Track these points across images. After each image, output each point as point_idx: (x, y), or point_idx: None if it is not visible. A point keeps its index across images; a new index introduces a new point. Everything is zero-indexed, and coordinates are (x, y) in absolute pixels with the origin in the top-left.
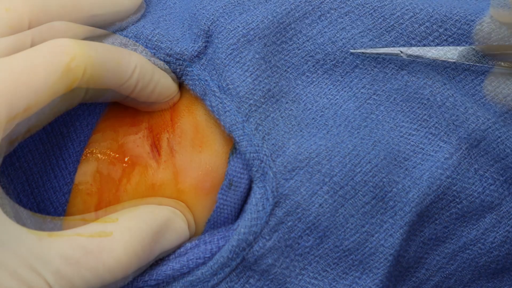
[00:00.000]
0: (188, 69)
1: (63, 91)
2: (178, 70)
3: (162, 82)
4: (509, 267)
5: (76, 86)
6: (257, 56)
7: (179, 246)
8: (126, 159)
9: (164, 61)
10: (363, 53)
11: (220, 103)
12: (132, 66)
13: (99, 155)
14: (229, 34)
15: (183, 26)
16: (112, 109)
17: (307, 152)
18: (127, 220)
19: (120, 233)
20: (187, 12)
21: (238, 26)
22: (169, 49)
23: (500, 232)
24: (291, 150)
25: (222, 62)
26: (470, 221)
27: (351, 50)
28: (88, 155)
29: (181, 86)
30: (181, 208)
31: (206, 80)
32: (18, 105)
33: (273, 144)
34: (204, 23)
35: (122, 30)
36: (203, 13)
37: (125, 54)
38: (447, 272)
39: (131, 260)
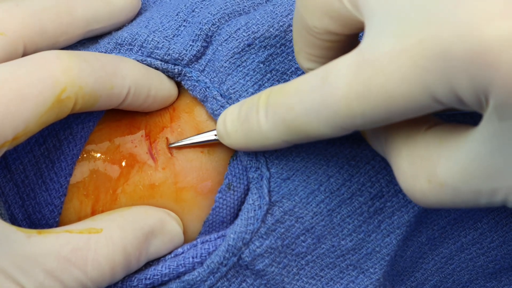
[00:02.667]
0: (186, 70)
1: (53, 120)
2: (176, 70)
3: (160, 95)
4: (507, 267)
5: (68, 114)
6: (257, 60)
7: (174, 248)
8: (124, 160)
9: (160, 67)
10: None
11: (222, 108)
12: (126, 89)
13: (96, 155)
14: (230, 38)
15: (177, 16)
16: (109, 111)
17: (305, 156)
18: (118, 217)
19: (110, 229)
20: (183, 2)
21: (239, 29)
22: (166, 55)
23: (499, 233)
24: (288, 157)
25: (222, 66)
26: (467, 223)
27: (170, 145)
28: (85, 155)
29: (180, 85)
30: (178, 211)
31: (206, 83)
32: (6, 134)
33: (271, 153)
34: (205, 24)
35: (117, 30)
36: (203, 10)
37: (118, 77)
38: (445, 273)
39: (120, 257)
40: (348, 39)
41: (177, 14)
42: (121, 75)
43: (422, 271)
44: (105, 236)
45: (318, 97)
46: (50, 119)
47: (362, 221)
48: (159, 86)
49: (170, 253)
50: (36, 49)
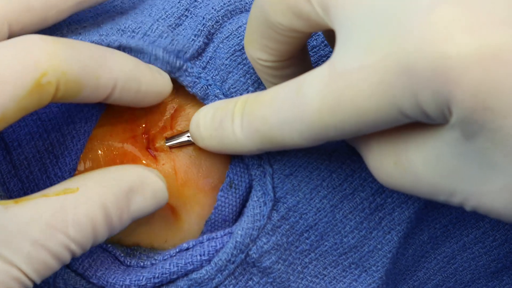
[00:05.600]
0: (188, 65)
1: (34, 108)
2: (177, 64)
3: (152, 90)
4: (509, 265)
5: (50, 102)
6: None
7: (158, 205)
8: (124, 156)
9: (161, 55)
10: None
11: None
12: (112, 81)
13: (97, 151)
14: (231, 35)
15: (179, 3)
16: (110, 107)
17: (307, 151)
18: (95, 175)
19: (86, 188)
20: None
21: (241, 27)
22: (170, 45)
23: (501, 231)
24: (290, 153)
25: (223, 64)
26: (469, 222)
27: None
28: (87, 150)
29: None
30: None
31: (208, 81)
32: None
33: None
34: (209, 21)
35: (122, 14)
36: (205, 1)
37: (105, 68)
38: (448, 272)
39: (99, 215)
40: (309, 35)
41: (179, 1)
42: (108, 67)
43: (424, 270)
44: (82, 194)
45: (291, 109)
46: (30, 105)
47: (364, 218)
48: (151, 81)
49: (175, 247)
50: (23, 28)
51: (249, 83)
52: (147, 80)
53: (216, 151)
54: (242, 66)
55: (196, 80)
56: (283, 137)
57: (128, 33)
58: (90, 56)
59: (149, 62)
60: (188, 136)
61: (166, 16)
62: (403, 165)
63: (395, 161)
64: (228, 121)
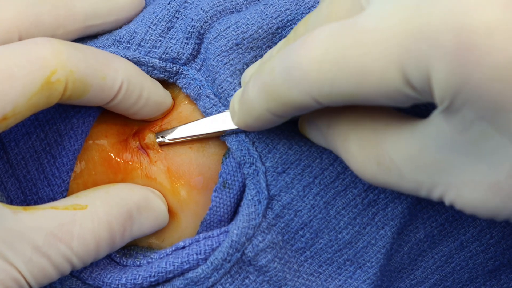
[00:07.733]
0: (183, 68)
1: (43, 106)
2: (174, 69)
3: (153, 98)
4: (506, 263)
5: (59, 102)
6: (243, 61)
7: (159, 227)
8: (120, 156)
9: (158, 65)
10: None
11: (214, 107)
12: (118, 82)
13: (94, 151)
14: (219, 36)
15: (169, 5)
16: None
17: (298, 148)
18: (103, 193)
19: (94, 205)
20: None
21: (229, 28)
22: (165, 54)
23: (497, 229)
24: (281, 151)
25: (211, 64)
26: (466, 221)
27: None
28: (84, 150)
29: (173, 89)
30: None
31: (201, 81)
32: None
33: (263, 147)
34: (197, 22)
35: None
36: (195, 2)
37: (111, 69)
38: (445, 271)
39: (104, 233)
40: None
41: (169, 3)
42: (113, 67)
43: (421, 269)
44: (90, 212)
45: (294, 57)
46: (40, 102)
47: (357, 213)
48: (153, 88)
49: (171, 246)
50: None
51: (235, 83)
52: (149, 87)
53: (241, 124)
54: (228, 66)
55: (191, 81)
56: (282, 88)
57: (124, 44)
58: (94, 57)
59: (147, 72)
60: (174, 136)
61: (158, 21)
62: (386, 165)
63: (377, 162)
64: (247, 85)
